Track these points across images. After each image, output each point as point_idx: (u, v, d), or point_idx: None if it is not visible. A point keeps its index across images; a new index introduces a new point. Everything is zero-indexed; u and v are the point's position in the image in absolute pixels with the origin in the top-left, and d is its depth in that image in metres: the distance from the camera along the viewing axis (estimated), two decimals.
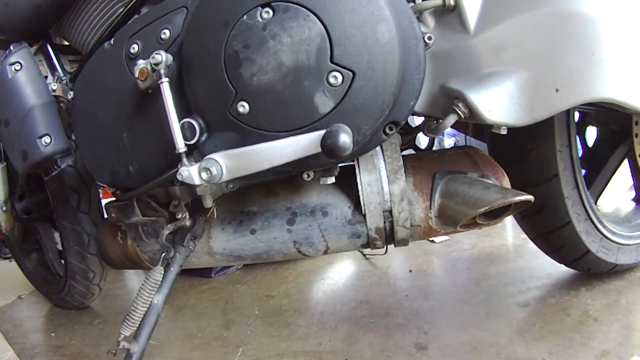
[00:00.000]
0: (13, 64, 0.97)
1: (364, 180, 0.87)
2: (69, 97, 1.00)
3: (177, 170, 0.75)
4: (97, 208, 1.38)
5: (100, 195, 1.43)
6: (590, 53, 0.72)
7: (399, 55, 0.70)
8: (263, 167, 0.69)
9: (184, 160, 0.74)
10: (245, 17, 0.69)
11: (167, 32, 0.81)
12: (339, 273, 1.61)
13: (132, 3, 0.92)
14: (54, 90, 1.04)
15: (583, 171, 1.35)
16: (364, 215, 0.90)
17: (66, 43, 1.09)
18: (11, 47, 1.00)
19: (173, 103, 0.74)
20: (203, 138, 0.75)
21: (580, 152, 1.40)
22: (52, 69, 1.08)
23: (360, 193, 0.88)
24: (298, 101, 0.68)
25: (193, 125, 0.75)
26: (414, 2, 0.82)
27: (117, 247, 1.08)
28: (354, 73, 0.67)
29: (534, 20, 0.73)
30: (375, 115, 0.69)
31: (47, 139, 0.93)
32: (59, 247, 1.56)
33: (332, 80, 0.67)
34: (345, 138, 0.58)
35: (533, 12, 0.73)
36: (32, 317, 1.57)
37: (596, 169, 1.33)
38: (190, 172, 0.73)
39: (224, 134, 0.74)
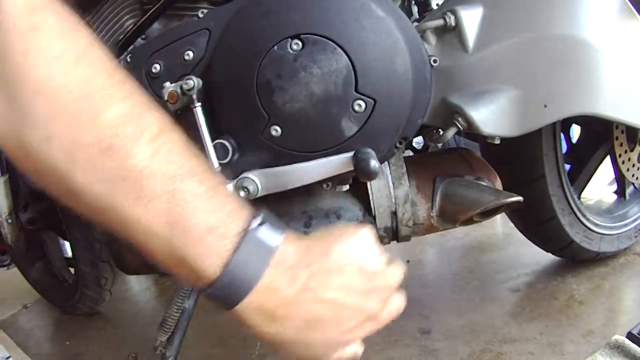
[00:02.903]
0: None
1: (374, 186, 1.03)
2: None
3: None
4: None
5: None
6: (576, 73, 0.87)
7: (413, 82, 0.86)
8: (296, 184, 0.84)
9: None
10: (276, 47, 0.82)
11: (190, 53, 0.90)
12: None
13: (143, 19, 0.99)
14: None
15: (568, 166, 1.52)
16: (374, 217, 1.06)
17: None
18: None
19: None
20: (235, 157, 0.88)
21: (565, 148, 1.57)
22: None
23: (370, 197, 1.03)
24: (326, 126, 0.83)
25: (226, 146, 0.87)
26: (418, 21, 0.96)
27: (135, 256, 1.20)
28: (375, 101, 0.82)
29: (526, 43, 0.87)
30: (392, 136, 0.86)
31: None
32: (66, 254, 1.67)
33: (356, 107, 0.82)
34: (375, 163, 0.74)
35: (525, 35, 0.87)
36: (43, 326, 1.67)
37: (580, 165, 1.47)
38: None
39: (256, 153, 0.87)
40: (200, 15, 0.93)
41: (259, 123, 0.85)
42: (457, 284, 1.51)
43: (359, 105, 0.82)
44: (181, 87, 0.85)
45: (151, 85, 0.94)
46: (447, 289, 1.49)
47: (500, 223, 1.86)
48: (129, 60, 0.97)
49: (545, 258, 1.52)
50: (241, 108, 0.86)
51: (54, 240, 1.69)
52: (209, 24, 0.91)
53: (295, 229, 1.08)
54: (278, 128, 0.84)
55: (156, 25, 1.03)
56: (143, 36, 1.02)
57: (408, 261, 1.69)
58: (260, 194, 0.86)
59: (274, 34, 0.82)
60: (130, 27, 1.01)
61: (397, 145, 0.92)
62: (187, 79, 0.85)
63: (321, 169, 0.81)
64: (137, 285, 1.86)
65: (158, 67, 0.93)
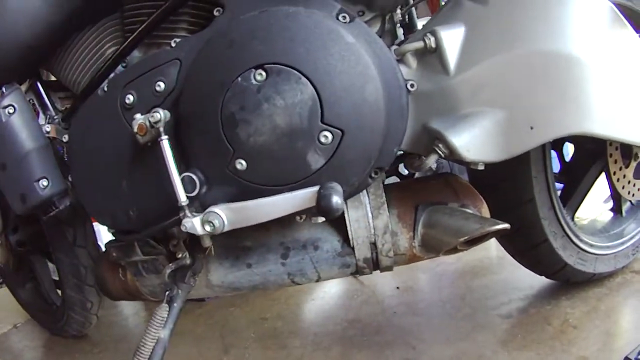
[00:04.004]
0: (6, 107, 0.99)
1: (352, 216, 0.97)
2: (64, 139, 1.04)
3: (179, 219, 0.84)
4: (92, 241, 1.45)
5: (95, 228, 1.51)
6: (563, 91, 0.80)
7: (385, 111, 0.79)
8: (262, 219, 0.78)
9: (187, 212, 0.82)
10: (239, 79, 0.77)
11: (161, 84, 0.87)
12: (329, 292, 1.69)
13: (122, 47, 0.96)
14: (47, 132, 1.06)
15: (560, 185, 1.46)
16: (353, 248, 0.99)
17: (54, 78, 1.11)
18: (3, 90, 1.01)
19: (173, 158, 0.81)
20: (203, 190, 0.84)
21: (558, 167, 1.50)
22: (44, 108, 1.10)
23: (348, 228, 0.97)
24: (292, 159, 0.77)
25: (193, 179, 0.83)
26: (399, 45, 0.91)
27: (118, 282, 1.15)
28: (343, 132, 0.76)
29: (509, 61, 0.81)
30: (363, 168, 0.79)
31: (44, 182, 0.97)
32: (55, 277, 1.63)
33: (322, 139, 0.76)
34: (337, 199, 0.68)
35: (508, 53, 0.81)
36: (32, 347, 1.64)
37: (573, 184, 1.40)
38: (193, 224, 0.81)
39: (223, 187, 0.82)
40: (173, 45, 0.90)
41: (224, 156, 0.80)
42: (446, 311, 1.43)
43: (326, 137, 0.76)
44: (149, 120, 0.82)
45: (125, 116, 0.91)
46: (436, 316, 1.41)
47: (494, 246, 1.77)
48: (105, 90, 0.94)
49: (539, 281, 1.43)
50: (207, 141, 0.82)
51: (43, 263, 1.65)
52: (179, 54, 0.88)
53: (272, 260, 1.03)
54: (243, 162, 0.79)
55: (136, 53, 0.99)
56: (124, 64, 0.98)
57: (398, 287, 1.62)
58: (226, 229, 0.82)
59: (237, 64, 0.78)
60: (111, 54, 0.98)
61: (372, 175, 0.86)
62: (154, 112, 0.82)
63: (287, 204, 0.75)
64: (127, 310, 1.81)
65: (131, 97, 0.90)
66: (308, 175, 0.78)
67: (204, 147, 0.83)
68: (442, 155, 0.85)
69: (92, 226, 1.48)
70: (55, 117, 1.10)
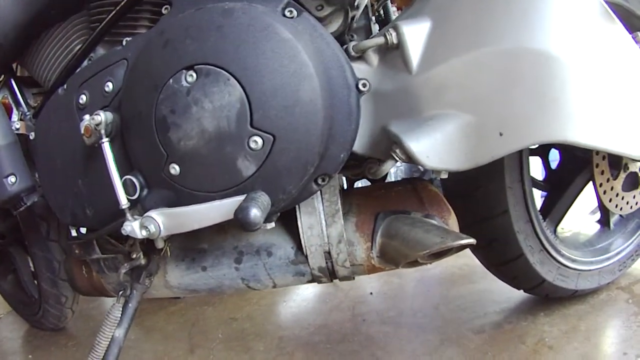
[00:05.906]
0: None
1: (305, 223, 0.90)
2: (31, 137, 1.01)
3: (121, 223, 0.79)
4: (66, 236, 1.41)
5: None
6: (539, 93, 0.68)
7: (324, 113, 0.71)
8: (195, 227, 0.72)
9: (127, 215, 0.78)
10: (171, 80, 0.71)
11: (110, 85, 0.83)
12: (302, 294, 1.62)
13: (86, 43, 0.92)
14: (17, 129, 1.05)
15: (544, 193, 1.36)
16: (306, 256, 0.93)
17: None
18: None
19: (116, 159, 0.78)
20: (144, 193, 0.79)
21: (542, 174, 1.41)
22: (17, 104, 1.08)
23: (301, 235, 0.90)
24: (222, 165, 0.70)
25: (134, 182, 0.78)
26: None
27: (85, 279, 1.12)
28: (274, 136, 0.69)
29: (479, 60, 0.70)
30: (299, 176, 0.71)
31: (12, 179, 0.94)
32: (33, 269, 1.59)
33: (252, 145, 0.69)
34: (255, 213, 0.61)
35: (478, 51, 0.70)
36: (11, 338, 1.61)
37: (558, 193, 1.31)
38: (133, 227, 0.76)
39: (161, 191, 0.77)
40: (124, 44, 0.86)
41: (158, 161, 0.74)
42: (417, 321, 1.34)
43: (255, 142, 0.69)
44: (92, 122, 0.79)
45: (79, 116, 0.88)
46: (405, 327, 1.32)
47: None
48: (65, 88, 0.92)
49: (518, 294, 1.34)
50: (143, 144, 0.76)
51: (23, 255, 1.61)
52: (127, 53, 0.83)
53: (226, 264, 0.97)
54: (176, 166, 0.73)
55: (100, 51, 0.95)
56: (89, 61, 0.94)
57: (371, 293, 1.54)
58: (163, 234, 0.76)
59: (170, 65, 0.71)
60: (78, 51, 0.94)
61: (319, 182, 0.78)
62: (96, 114, 0.79)
63: (214, 213, 0.69)
64: (106, 304, 1.75)
65: (84, 97, 0.87)
66: (239, 182, 0.71)
67: (141, 149, 0.77)
68: (399, 160, 0.76)
69: None
70: (27, 113, 1.08)
